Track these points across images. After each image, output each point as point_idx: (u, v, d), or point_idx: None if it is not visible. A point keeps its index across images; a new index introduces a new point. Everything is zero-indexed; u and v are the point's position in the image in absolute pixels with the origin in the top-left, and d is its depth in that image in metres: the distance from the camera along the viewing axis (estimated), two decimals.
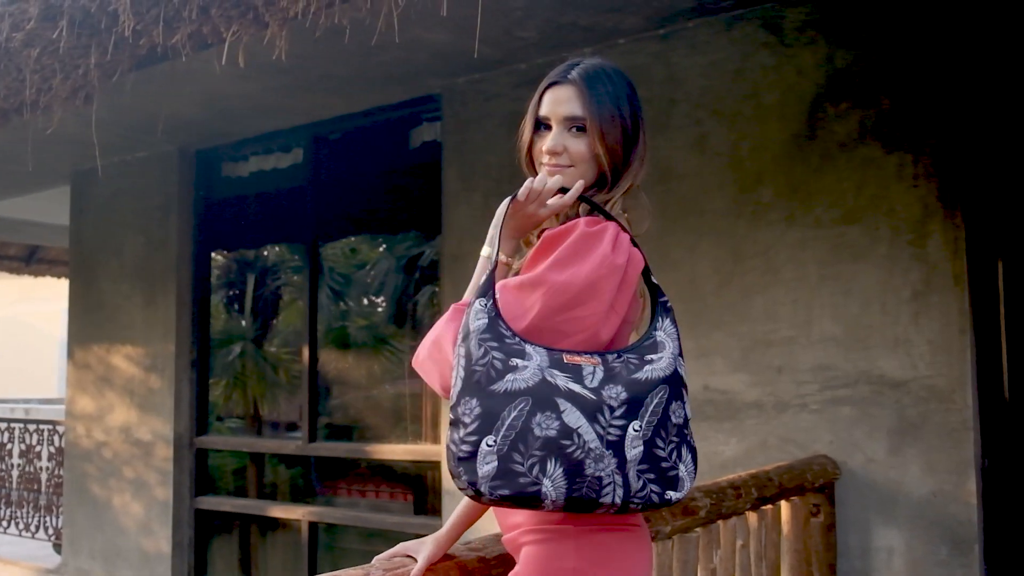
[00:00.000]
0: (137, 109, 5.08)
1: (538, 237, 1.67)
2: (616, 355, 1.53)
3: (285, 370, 5.94)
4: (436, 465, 4.74)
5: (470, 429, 1.45)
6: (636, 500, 1.47)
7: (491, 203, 4.85)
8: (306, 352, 5.38)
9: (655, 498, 1.48)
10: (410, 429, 5.10)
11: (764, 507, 3.06)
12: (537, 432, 1.44)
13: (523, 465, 1.44)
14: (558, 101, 1.71)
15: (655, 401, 1.50)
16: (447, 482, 4.54)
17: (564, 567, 1.56)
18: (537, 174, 1.70)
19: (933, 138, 3.47)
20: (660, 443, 1.49)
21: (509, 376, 1.47)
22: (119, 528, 5.97)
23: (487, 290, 1.54)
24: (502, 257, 1.64)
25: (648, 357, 1.54)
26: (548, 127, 1.71)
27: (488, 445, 1.44)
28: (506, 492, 1.44)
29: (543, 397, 1.46)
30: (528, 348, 1.50)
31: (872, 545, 3.49)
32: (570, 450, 1.44)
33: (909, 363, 3.47)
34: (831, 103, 3.70)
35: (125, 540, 5.93)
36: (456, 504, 4.66)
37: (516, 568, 1.61)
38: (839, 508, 3.53)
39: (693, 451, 1.55)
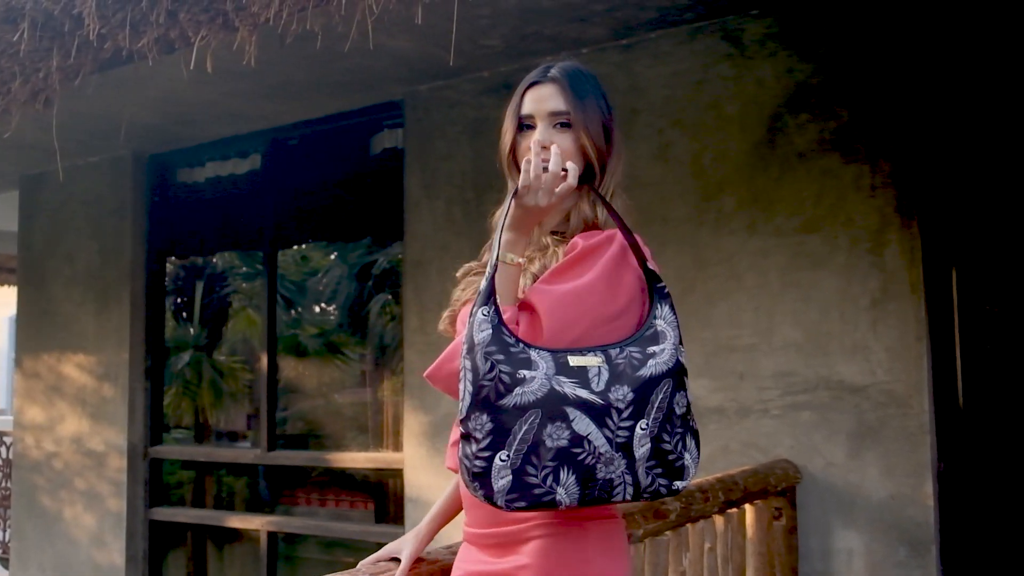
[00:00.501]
0: (92, 113, 5.01)
1: (555, 236, 1.71)
2: (618, 349, 1.53)
3: (235, 379, 5.89)
4: (398, 473, 4.72)
5: (483, 445, 1.46)
6: (646, 494, 1.51)
7: (453, 210, 4.88)
8: (264, 360, 5.33)
9: (663, 490, 1.52)
10: (371, 437, 5.08)
11: (730, 510, 3.10)
12: (549, 443, 1.45)
13: (537, 477, 1.45)
14: (541, 99, 1.72)
15: (660, 396, 1.50)
16: (410, 490, 4.53)
17: (581, 558, 1.59)
18: (519, 173, 1.67)
19: (890, 150, 3.55)
20: (666, 437, 1.50)
21: (518, 389, 1.47)
22: (70, 541, 5.85)
23: (488, 298, 1.53)
24: (512, 258, 1.63)
25: (650, 349, 1.53)
26: (531, 126, 1.72)
27: (501, 460, 1.45)
28: (522, 504, 1.46)
29: (553, 407, 1.46)
30: (533, 355, 1.49)
31: (833, 547, 3.56)
32: (581, 457, 1.45)
33: (868, 369, 3.55)
34: (791, 114, 3.77)
35: (76, 553, 5.81)
36: (421, 512, 4.62)
37: (524, 561, 1.60)
38: (800, 511, 3.60)
39: (696, 436, 1.56)
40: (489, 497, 1.46)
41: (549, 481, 1.45)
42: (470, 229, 4.39)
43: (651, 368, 1.51)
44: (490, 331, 1.50)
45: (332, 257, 5.79)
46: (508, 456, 1.45)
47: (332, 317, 5.76)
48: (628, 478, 1.47)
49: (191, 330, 6.17)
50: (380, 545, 5.07)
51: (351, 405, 5.40)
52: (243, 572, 5.46)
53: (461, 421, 1.48)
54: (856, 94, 3.63)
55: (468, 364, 1.49)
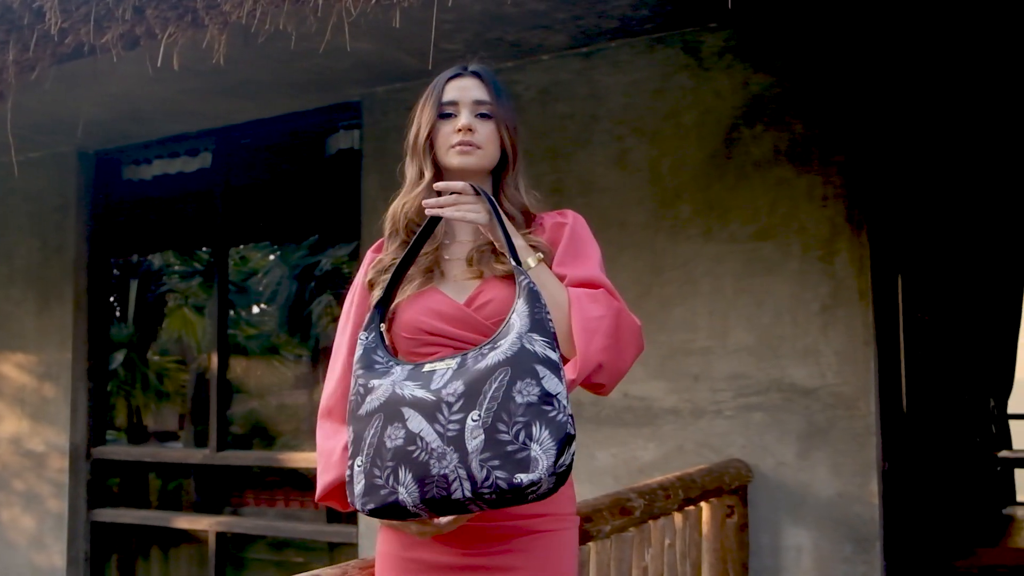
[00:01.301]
0: (37, 108, 4.91)
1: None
2: (476, 349, 1.55)
3: (170, 379, 5.83)
4: None
5: (349, 453, 1.57)
6: (485, 490, 1.45)
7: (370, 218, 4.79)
8: (215, 359, 5.29)
9: (503, 484, 1.43)
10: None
11: (688, 508, 3.20)
12: (389, 444, 1.50)
13: (381, 478, 1.50)
14: (465, 88, 1.83)
15: (494, 386, 1.46)
16: None
17: (576, 552, 1.72)
18: (433, 161, 1.82)
19: (841, 162, 3.69)
20: (502, 427, 1.44)
21: (368, 398, 1.56)
22: (7, 543, 5.71)
23: (370, 323, 1.66)
24: (539, 256, 1.73)
25: (499, 343, 1.52)
26: (452, 115, 1.81)
27: (358, 466, 1.54)
28: (372, 506, 1.52)
29: (392, 410, 1.52)
30: (395, 367, 1.58)
31: (782, 544, 3.68)
32: (416, 455, 1.47)
33: (817, 372, 3.68)
34: (747, 125, 3.90)
35: (14, 556, 5.68)
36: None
37: (535, 553, 1.68)
38: (751, 509, 3.71)
39: (555, 426, 1.44)
40: (353, 502, 1.56)
41: (391, 481, 1.48)
42: None
43: (487, 360, 1.50)
44: (361, 351, 1.62)
45: (271, 257, 5.76)
46: (362, 462, 1.53)
47: (273, 317, 5.72)
48: (462, 472, 1.44)
49: (124, 329, 6.08)
50: (332, 545, 5.14)
51: (293, 406, 5.39)
52: (190, 573, 5.40)
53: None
54: (810, 107, 3.77)
55: (351, 384, 1.62)
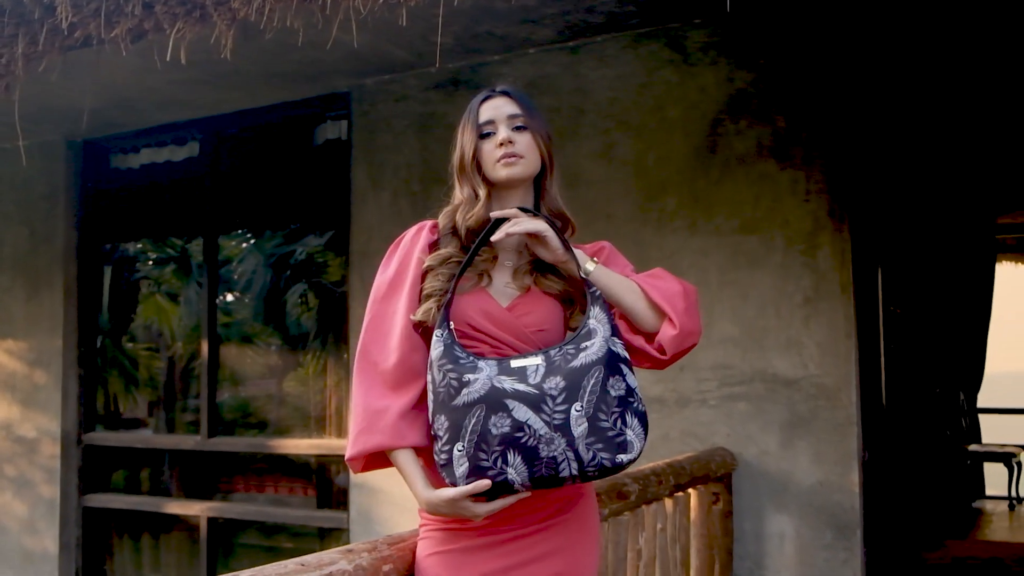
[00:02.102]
0: (24, 97, 4.91)
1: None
2: (557, 348, 1.80)
3: (145, 366, 5.88)
4: (341, 459, 4.81)
5: (444, 440, 1.76)
6: (591, 468, 1.73)
7: (400, 202, 4.96)
8: (205, 347, 5.34)
9: (607, 463, 1.73)
10: (314, 424, 5.14)
11: (677, 494, 3.29)
12: (494, 431, 1.72)
13: (488, 460, 1.72)
14: (498, 107, 1.98)
15: (592, 382, 1.73)
16: (354, 476, 4.62)
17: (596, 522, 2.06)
18: (483, 179, 1.97)
19: (824, 157, 3.77)
20: (603, 416, 1.72)
21: (464, 391, 1.75)
22: None
23: (443, 321, 1.84)
24: (595, 261, 1.94)
25: (583, 345, 1.78)
26: (491, 133, 1.96)
27: (459, 451, 1.74)
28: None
29: (494, 401, 1.73)
30: (480, 363, 1.78)
31: (765, 531, 3.78)
32: (524, 440, 1.71)
33: (800, 363, 3.77)
34: (731, 120, 3.96)
35: (6, 540, 5.73)
36: (367, 497, 4.68)
37: (575, 513, 1.95)
38: (736, 496, 3.81)
39: (640, 415, 1.77)
40: (454, 483, 1.76)
41: (499, 463, 1.72)
42: (416, 220, 4.41)
43: (581, 359, 1.76)
44: (442, 348, 1.80)
45: (244, 246, 5.78)
46: (463, 447, 1.73)
47: (251, 305, 5.75)
48: (570, 454, 1.71)
49: (100, 316, 6.09)
50: (323, 531, 5.21)
51: (266, 396, 5.46)
52: (180, 558, 5.47)
53: (431, 423, 1.80)
54: (793, 103, 3.84)
55: (429, 377, 1.82)
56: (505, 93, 2.00)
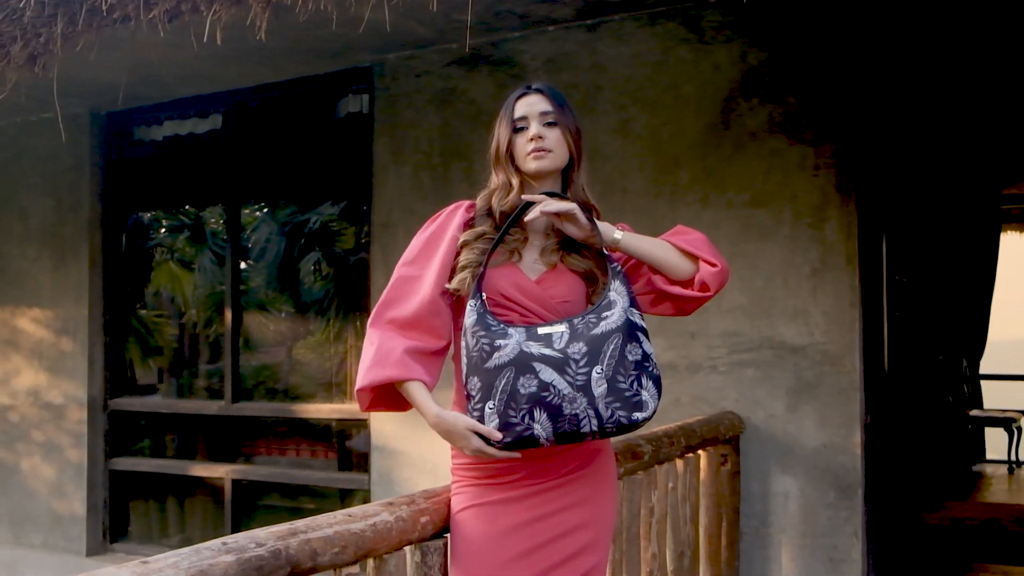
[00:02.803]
0: (57, 72, 5.06)
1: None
2: (580, 317, 1.99)
3: (159, 333, 6.05)
4: (362, 423, 4.99)
5: (476, 399, 1.97)
6: (609, 424, 1.93)
7: (421, 175, 5.14)
8: (229, 315, 5.50)
9: (624, 420, 1.93)
10: (334, 389, 5.31)
11: (688, 455, 3.47)
12: (522, 391, 1.92)
13: (516, 417, 1.93)
14: (532, 104, 2.16)
15: (611, 347, 1.93)
16: (376, 438, 4.80)
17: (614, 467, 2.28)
18: (517, 170, 2.17)
19: (832, 133, 3.92)
20: (620, 378, 1.92)
21: (496, 355, 1.95)
22: (28, 491, 5.96)
23: (476, 292, 2.03)
24: (620, 232, 2.19)
25: (604, 315, 1.97)
26: (524, 128, 2.15)
27: (490, 408, 1.95)
28: (509, 439, 1.94)
29: (523, 364, 1.93)
30: (510, 330, 1.97)
31: (771, 490, 3.96)
32: (549, 399, 1.91)
33: (806, 331, 3.94)
34: (743, 98, 4.11)
35: (35, 503, 5.92)
36: (387, 459, 4.85)
37: (597, 464, 2.15)
38: (743, 458, 3.98)
39: (655, 378, 1.97)
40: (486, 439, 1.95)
41: (526, 420, 1.91)
42: (436, 194, 4.63)
43: (602, 327, 1.95)
44: (475, 316, 2.00)
45: (258, 215, 5.92)
46: (495, 405, 1.93)
47: (265, 273, 5.89)
48: (591, 412, 1.91)
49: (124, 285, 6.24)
50: (344, 492, 5.39)
51: (277, 364, 5.63)
52: (205, 520, 5.66)
53: (464, 384, 1.99)
54: (803, 82, 3.98)
55: (463, 343, 2.00)
56: (539, 91, 2.17)
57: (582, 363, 1.91)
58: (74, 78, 5.21)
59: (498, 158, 2.19)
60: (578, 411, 1.90)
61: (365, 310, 5.02)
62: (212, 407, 5.55)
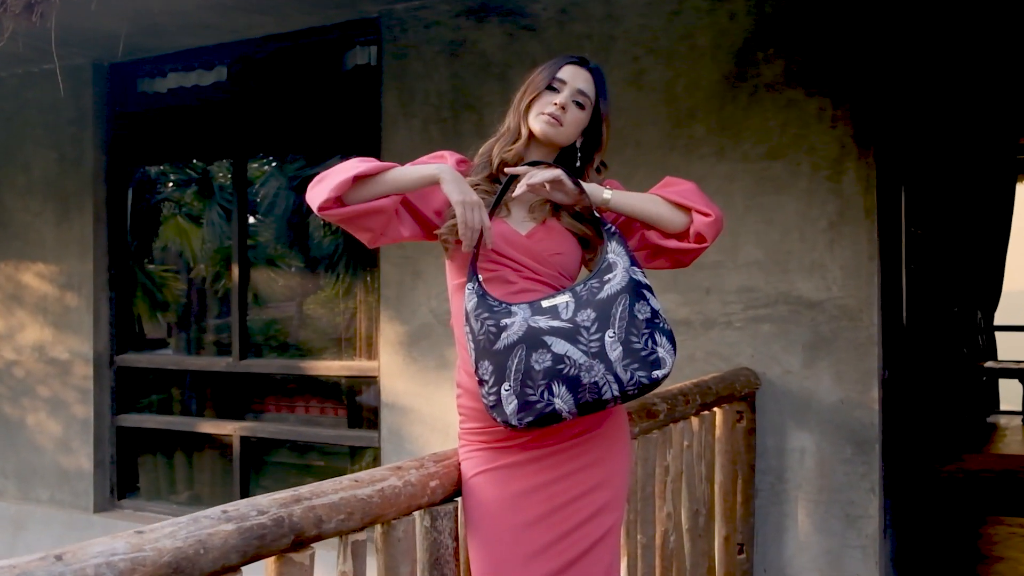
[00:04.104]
0: (57, 21, 4.96)
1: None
2: (582, 284, 1.96)
3: (168, 288, 6.00)
4: (372, 380, 4.95)
5: (490, 383, 1.90)
6: (631, 388, 1.89)
7: (430, 129, 5.06)
8: (236, 270, 5.44)
9: (644, 380, 1.89)
10: (344, 345, 5.27)
11: (703, 412, 3.43)
12: (537, 367, 1.87)
13: (535, 394, 1.87)
14: (578, 77, 2.13)
15: (620, 309, 1.90)
16: (386, 395, 4.76)
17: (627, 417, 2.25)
18: (527, 120, 2.12)
19: (850, 84, 3.83)
20: (634, 339, 1.88)
21: (504, 335, 1.89)
22: (35, 447, 5.94)
23: (472, 275, 1.97)
24: (609, 191, 2.11)
25: (606, 278, 1.94)
26: (556, 90, 2.11)
27: (506, 390, 1.88)
28: (531, 419, 1.89)
29: (533, 340, 1.88)
30: (514, 308, 1.92)
31: (787, 446, 3.93)
32: (566, 371, 1.86)
33: (823, 285, 3.88)
34: (759, 48, 4.01)
35: (41, 459, 5.91)
36: (397, 416, 4.81)
37: (608, 423, 2.10)
38: (759, 414, 3.95)
39: (668, 333, 1.94)
40: (506, 421, 1.89)
41: (545, 396, 1.86)
42: (446, 147, 4.48)
43: (607, 290, 1.92)
44: (476, 299, 1.94)
45: (266, 169, 5.85)
46: (511, 386, 1.87)
47: (267, 228, 5.82)
48: (610, 377, 1.87)
49: (128, 239, 6.17)
50: (354, 449, 5.37)
51: (288, 318, 5.58)
52: (214, 476, 5.65)
53: (475, 371, 1.93)
54: (820, 30, 3.89)
55: (467, 329, 1.94)
56: (591, 70, 2.14)
57: (593, 329, 1.88)
58: (74, 27, 5.10)
59: (520, 103, 2.14)
60: (597, 378, 1.86)
61: (374, 265, 4.96)
62: (220, 363, 5.51)
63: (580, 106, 2.10)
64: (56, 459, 5.86)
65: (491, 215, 2.05)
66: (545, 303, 1.92)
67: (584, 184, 2.08)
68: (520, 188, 2.01)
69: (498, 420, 1.91)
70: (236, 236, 5.47)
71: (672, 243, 2.13)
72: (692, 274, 4.09)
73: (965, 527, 4.87)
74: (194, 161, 6.01)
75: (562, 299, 1.92)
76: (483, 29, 4.57)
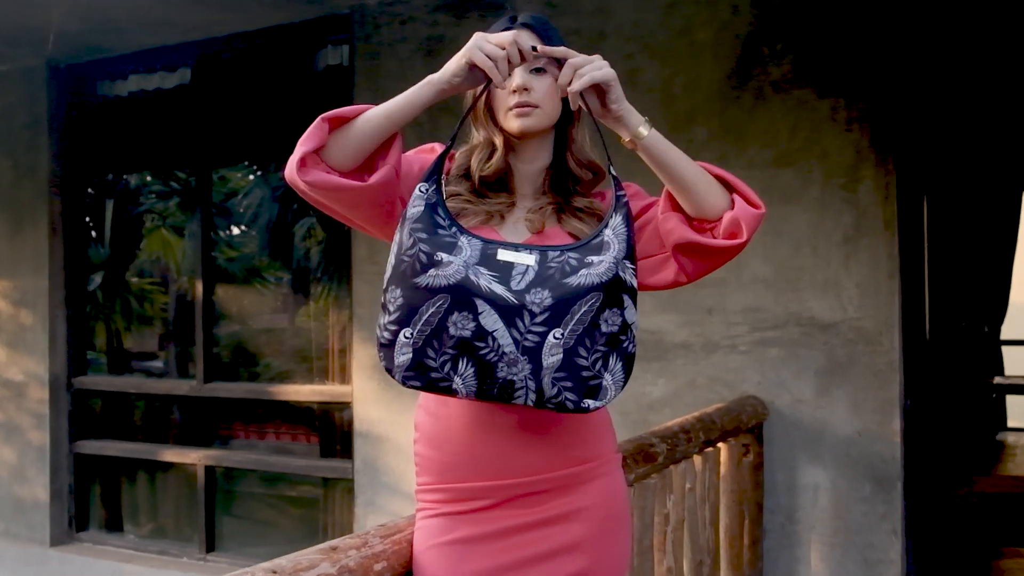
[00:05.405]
0: (4, 17, 4.60)
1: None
2: (558, 252, 1.52)
3: (149, 301, 5.62)
4: (346, 406, 4.57)
5: (392, 318, 1.49)
6: (550, 404, 1.49)
7: (405, 132, 4.61)
8: (199, 286, 5.06)
9: (569, 405, 1.49)
10: (316, 368, 4.89)
11: (707, 449, 3.06)
12: (452, 331, 1.46)
13: (435, 361, 1.47)
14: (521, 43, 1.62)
15: (583, 309, 1.48)
16: (359, 424, 4.39)
17: (627, 489, 1.80)
18: (496, 126, 1.70)
19: (867, 82, 3.48)
20: (583, 352, 1.47)
21: (432, 271, 1.47)
22: None
23: (431, 173, 1.55)
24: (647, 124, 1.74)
25: (589, 259, 1.51)
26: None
27: (405, 337, 1.48)
28: (417, 384, 1.49)
29: (462, 297, 1.46)
30: (462, 241, 1.50)
31: (798, 483, 3.57)
32: (483, 352, 1.46)
33: (838, 305, 3.52)
34: (766, 44, 3.66)
35: None
36: (371, 446, 4.45)
37: (589, 501, 1.66)
38: (767, 447, 3.59)
39: (627, 358, 1.52)
40: (389, 369, 1.50)
41: (447, 368, 1.47)
42: None
43: (580, 278, 1.49)
44: (422, 208, 1.52)
45: (251, 178, 5.52)
46: (412, 335, 1.47)
47: (253, 240, 5.48)
48: (531, 384, 1.47)
49: (101, 251, 5.82)
50: (326, 480, 4.94)
51: (276, 330, 5.20)
52: (178, 506, 5.25)
53: (382, 292, 1.52)
54: (833, 23, 3.54)
55: (397, 237, 1.53)
56: (526, 25, 1.68)
57: (539, 319, 1.45)
58: (25, 25, 4.75)
59: (476, 113, 1.71)
60: (515, 378, 1.46)
61: (347, 282, 4.59)
62: (183, 387, 5.11)
63: (541, 71, 1.65)
64: (10, 489, 5.47)
65: (479, 225, 1.65)
66: (503, 255, 1.50)
67: (631, 111, 1.69)
68: (578, 82, 1.57)
69: (381, 363, 1.51)
70: (200, 250, 5.09)
71: (697, 237, 1.62)
72: (692, 292, 3.73)
73: (982, 561, 4.51)
74: (156, 172, 5.62)
75: (523, 260, 1.50)
76: (462, 25, 4.21)
